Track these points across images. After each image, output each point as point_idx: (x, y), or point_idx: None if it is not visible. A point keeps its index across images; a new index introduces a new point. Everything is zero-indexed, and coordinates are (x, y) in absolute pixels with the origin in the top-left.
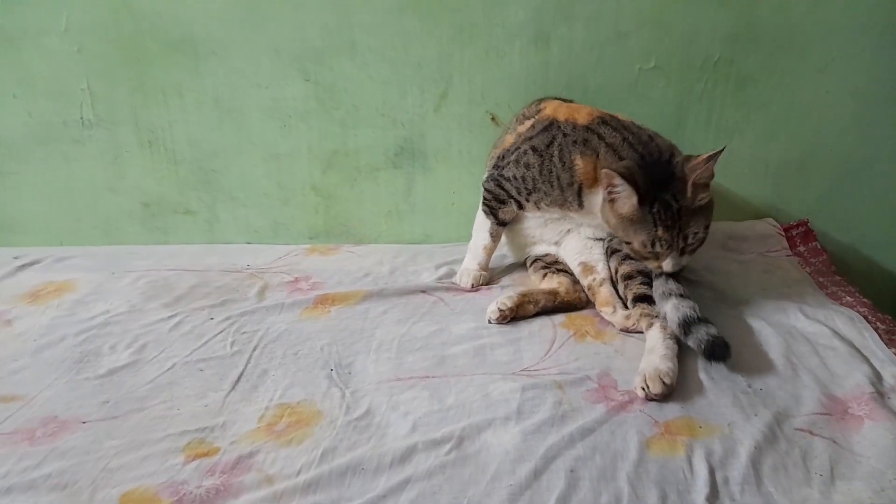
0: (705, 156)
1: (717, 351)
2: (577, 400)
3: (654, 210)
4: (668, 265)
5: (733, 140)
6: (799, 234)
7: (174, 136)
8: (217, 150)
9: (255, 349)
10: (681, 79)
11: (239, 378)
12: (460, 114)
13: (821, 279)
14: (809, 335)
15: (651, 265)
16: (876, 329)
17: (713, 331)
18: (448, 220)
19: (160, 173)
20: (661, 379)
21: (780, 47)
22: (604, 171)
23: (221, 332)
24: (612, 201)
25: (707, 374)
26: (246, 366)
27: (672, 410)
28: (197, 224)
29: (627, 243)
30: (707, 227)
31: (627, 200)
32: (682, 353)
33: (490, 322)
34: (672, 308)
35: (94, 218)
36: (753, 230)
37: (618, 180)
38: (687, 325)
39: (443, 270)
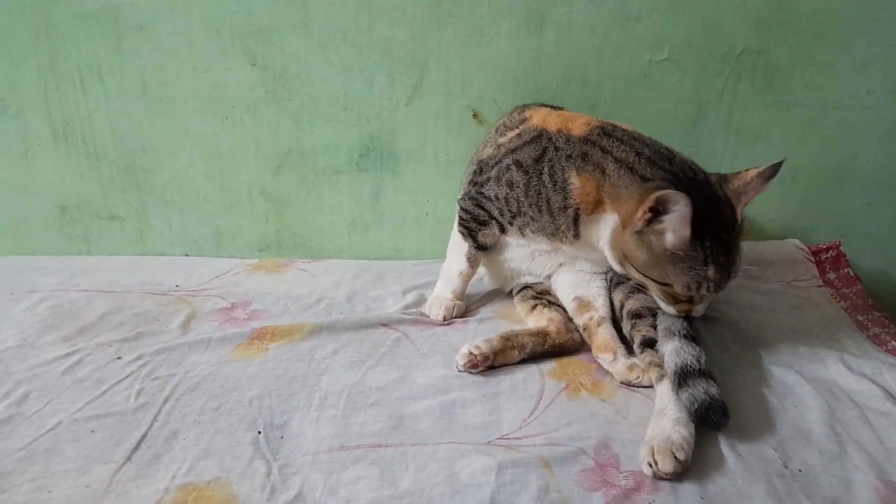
0: (755, 171)
1: (713, 417)
2: (569, 485)
3: (707, 244)
4: (700, 310)
5: (758, 145)
6: (829, 259)
7: (95, 127)
8: (147, 146)
9: (166, 401)
10: (699, 72)
11: (139, 443)
12: (437, 108)
13: (860, 317)
14: (856, 395)
15: (679, 309)
16: None
17: (713, 391)
18: (421, 233)
19: (79, 171)
20: (672, 453)
21: (816, 37)
22: (660, 193)
23: (128, 376)
24: (641, 233)
25: (731, 446)
26: (151, 425)
27: (690, 503)
28: (125, 232)
29: (664, 285)
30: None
31: (678, 229)
32: None
33: (458, 370)
34: (672, 352)
35: (1, 222)
36: (779, 254)
37: (677, 204)
38: (684, 377)
39: (411, 297)
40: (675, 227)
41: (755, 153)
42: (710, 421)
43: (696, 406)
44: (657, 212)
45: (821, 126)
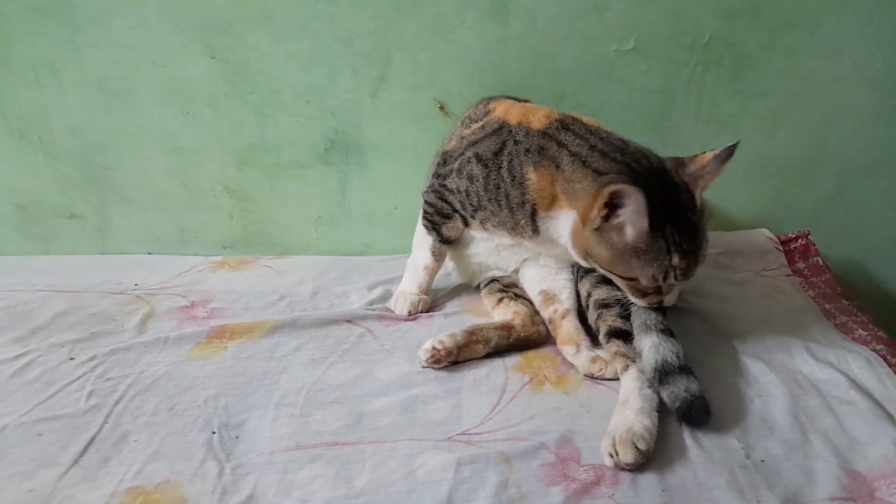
0: (711, 154)
1: (694, 416)
2: (528, 480)
3: (667, 232)
4: (670, 299)
5: (726, 134)
6: (798, 248)
7: (51, 123)
8: (105, 142)
9: (118, 402)
10: (666, 61)
11: (87, 446)
12: (402, 101)
13: (827, 306)
14: (820, 384)
15: (648, 301)
16: None
17: (694, 387)
18: (390, 228)
19: (36, 169)
20: (634, 444)
21: (783, 24)
22: (611, 187)
23: (79, 378)
24: (600, 230)
25: (694, 437)
26: (101, 427)
27: (650, 496)
28: (85, 231)
29: (629, 280)
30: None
31: (633, 226)
32: (664, 405)
33: (422, 366)
34: (651, 348)
35: None
36: (748, 243)
37: (630, 197)
38: (664, 374)
39: (377, 292)
40: (632, 221)
41: (724, 142)
42: (692, 419)
43: (677, 404)
44: (612, 206)
45: (790, 115)
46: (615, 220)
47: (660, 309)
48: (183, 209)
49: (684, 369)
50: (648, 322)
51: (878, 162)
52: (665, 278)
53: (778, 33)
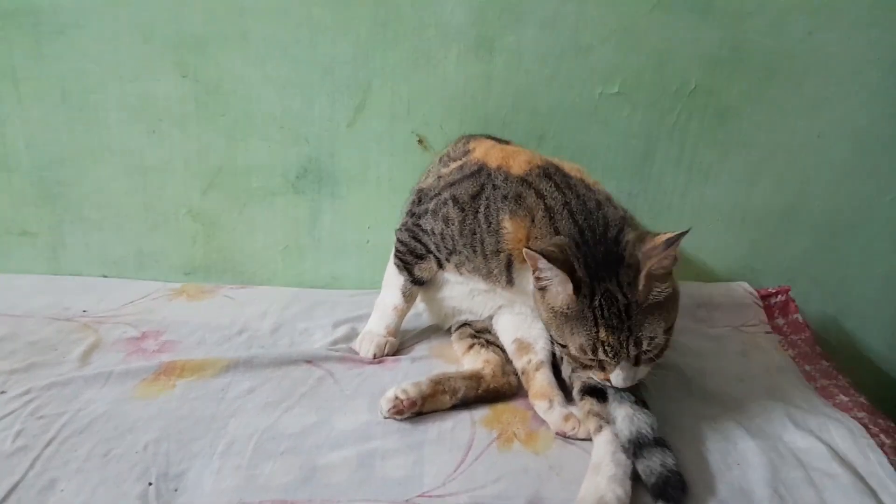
0: (663, 238)
1: (671, 493)
2: None
3: (596, 304)
4: (617, 378)
5: (708, 184)
6: (778, 304)
7: (6, 135)
8: (64, 157)
9: (48, 444)
10: (650, 107)
11: (8, 494)
12: (380, 132)
13: (807, 367)
14: (801, 454)
15: (596, 376)
16: (881, 445)
17: (670, 462)
18: (361, 261)
19: None
20: None
21: (768, 77)
22: (525, 251)
23: (9, 414)
24: (542, 290)
25: None
26: (26, 473)
27: None
28: (37, 249)
29: (562, 346)
30: (669, 330)
31: (560, 290)
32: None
33: (383, 416)
34: (625, 419)
35: None
36: (727, 296)
37: (544, 263)
38: (639, 446)
39: (342, 330)
40: (557, 285)
41: (705, 192)
42: (668, 496)
43: (653, 480)
44: (540, 269)
45: (771, 167)
46: (546, 282)
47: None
48: (143, 231)
49: (659, 442)
50: (622, 393)
51: (857, 219)
52: (594, 352)
53: (762, 86)
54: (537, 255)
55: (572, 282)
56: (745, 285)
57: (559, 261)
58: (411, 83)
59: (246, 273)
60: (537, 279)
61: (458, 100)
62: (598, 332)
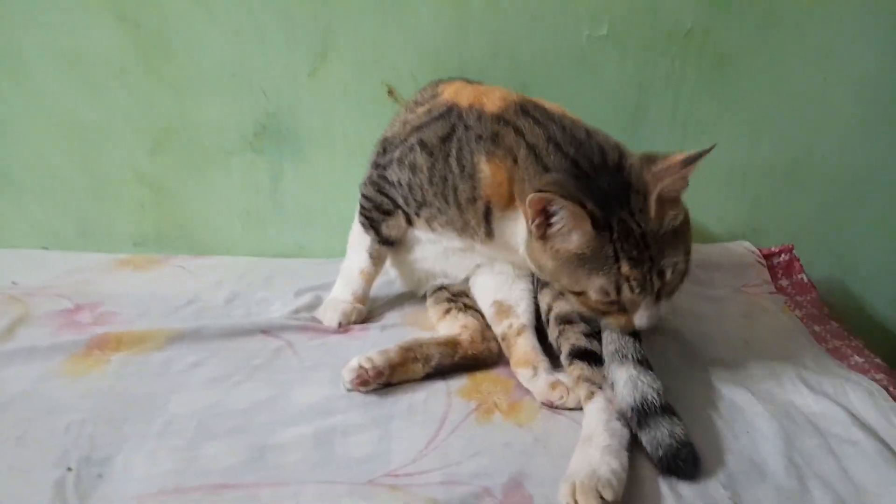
0: (680, 156)
1: (682, 466)
2: None
3: (615, 237)
4: (642, 318)
5: (704, 137)
6: (781, 264)
7: None
8: None
9: None
10: (641, 52)
11: None
12: (345, 82)
13: (816, 328)
14: (816, 419)
15: (617, 323)
16: None
17: (679, 432)
18: (328, 227)
19: None
20: (598, 492)
21: (770, 19)
22: (532, 196)
23: None
24: (544, 238)
25: (671, 483)
26: None
27: None
28: None
29: (578, 294)
30: (688, 256)
31: (575, 231)
32: (636, 441)
33: (346, 388)
34: (628, 382)
35: None
36: (727, 256)
37: (557, 203)
38: (643, 415)
39: (306, 299)
40: (570, 225)
41: (703, 145)
42: (678, 471)
43: (660, 453)
44: (546, 214)
45: (774, 119)
46: (554, 228)
47: (635, 334)
48: (86, 199)
49: (667, 409)
50: (624, 350)
51: (866, 175)
52: (619, 291)
53: (763, 30)
54: (549, 195)
55: (590, 217)
56: (747, 244)
57: (571, 197)
58: (379, 27)
59: (202, 243)
60: (542, 225)
61: (431, 45)
62: (619, 267)
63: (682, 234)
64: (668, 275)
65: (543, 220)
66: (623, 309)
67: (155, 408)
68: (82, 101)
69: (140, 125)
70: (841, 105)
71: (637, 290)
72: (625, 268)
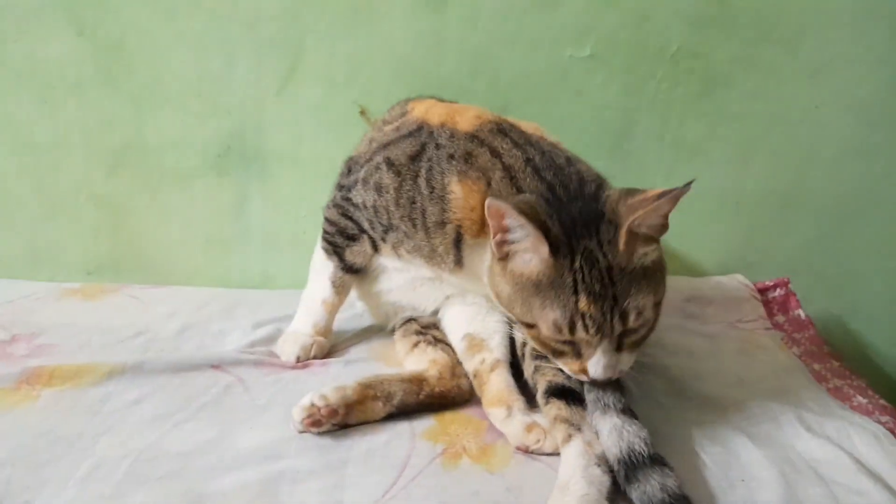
0: (658, 191)
1: None
2: None
3: (577, 267)
4: (596, 367)
5: (695, 161)
6: (777, 299)
7: None
8: None
9: None
10: (627, 72)
11: None
12: (315, 100)
13: (816, 366)
14: (819, 466)
15: (569, 368)
16: None
17: (671, 485)
18: (297, 255)
19: None
20: None
21: (761, 38)
22: (489, 202)
23: None
24: (504, 260)
25: None
26: None
27: None
28: None
29: (529, 327)
30: (658, 305)
31: (531, 252)
32: (617, 489)
33: (298, 430)
34: (612, 431)
35: None
36: (720, 290)
37: (514, 219)
38: (631, 467)
39: (264, 331)
40: (529, 246)
41: (692, 171)
42: None
43: None
44: (507, 229)
45: (766, 143)
46: (513, 247)
47: (615, 381)
48: (36, 222)
49: (656, 460)
50: (604, 398)
51: (863, 203)
52: (573, 329)
53: (754, 49)
54: (504, 207)
55: (547, 239)
56: (740, 277)
57: (530, 215)
58: (350, 43)
59: (162, 271)
60: (500, 244)
61: (406, 63)
62: (577, 301)
63: (652, 277)
64: (632, 320)
65: (503, 239)
66: (578, 353)
67: (82, 449)
68: (35, 116)
69: (96, 144)
70: (836, 128)
71: (593, 331)
72: (582, 302)
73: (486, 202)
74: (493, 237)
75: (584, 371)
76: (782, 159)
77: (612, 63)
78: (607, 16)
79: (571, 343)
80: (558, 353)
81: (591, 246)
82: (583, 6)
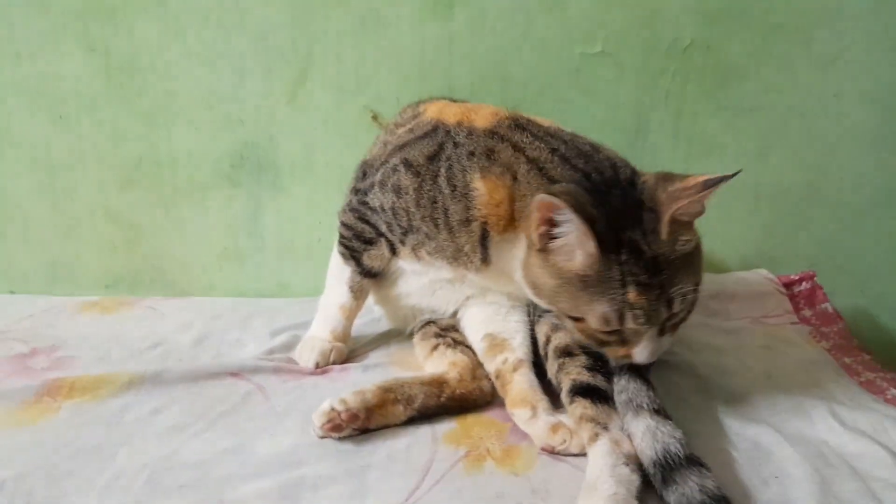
0: (701, 178)
1: None
2: None
3: (623, 260)
4: (643, 352)
5: (712, 157)
6: (802, 292)
7: None
8: None
9: None
10: (639, 69)
11: None
12: (326, 108)
13: (846, 359)
14: (854, 460)
15: (614, 355)
16: None
17: (710, 485)
18: (311, 263)
19: None
20: None
21: (775, 29)
22: (539, 198)
23: None
24: (545, 251)
25: None
26: None
27: None
28: None
29: (576, 320)
30: (698, 286)
31: (580, 249)
32: (647, 487)
33: (318, 435)
34: (646, 433)
35: None
36: (744, 285)
37: (565, 214)
38: (668, 469)
39: (282, 338)
40: (574, 241)
41: (709, 166)
42: None
43: None
44: (550, 223)
45: (784, 135)
46: (557, 241)
47: (642, 375)
48: (53, 238)
49: (692, 460)
50: (637, 399)
51: (886, 194)
52: (622, 321)
53: (767, 40)
54: (556, 202)
55: (594, 235)
56: (764, 272)
57: (582, 211)
58: (359, 49)
59: (178, 284)
60: (545, 236)
61: (416, 67)
62: (626, 293)
63: (693, 261)
64: (677, 305)
65: (547, 231)
66: (624, 340)
67: (103, 460)
68: (50, 134)
69: (111, 159)
70: (853, 119)
71: (642, 321)
72: (632, 294)
73: (538, 196)
74: (536, 228)
75: (629, 357)
76: (801, 151)
77: (624, 59)
78: (617, 11)
79: (619, 333)
80: (604, 343)
81: (636, 236)
82: (591, 2)
